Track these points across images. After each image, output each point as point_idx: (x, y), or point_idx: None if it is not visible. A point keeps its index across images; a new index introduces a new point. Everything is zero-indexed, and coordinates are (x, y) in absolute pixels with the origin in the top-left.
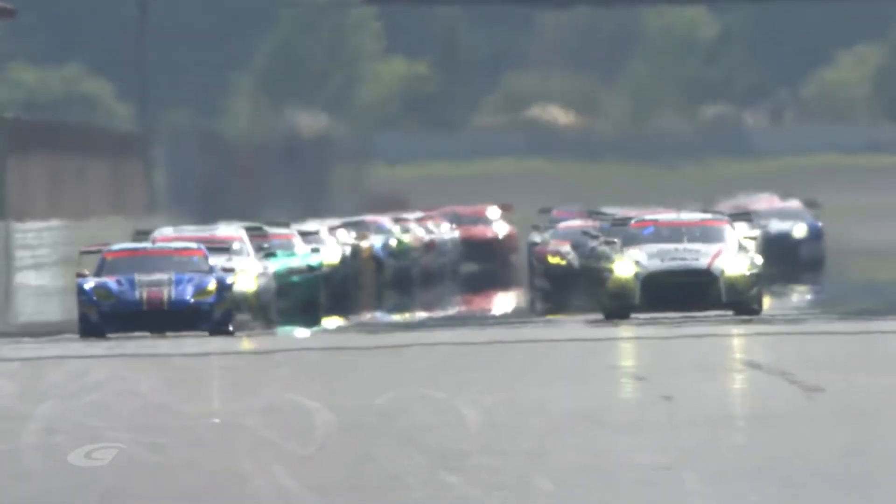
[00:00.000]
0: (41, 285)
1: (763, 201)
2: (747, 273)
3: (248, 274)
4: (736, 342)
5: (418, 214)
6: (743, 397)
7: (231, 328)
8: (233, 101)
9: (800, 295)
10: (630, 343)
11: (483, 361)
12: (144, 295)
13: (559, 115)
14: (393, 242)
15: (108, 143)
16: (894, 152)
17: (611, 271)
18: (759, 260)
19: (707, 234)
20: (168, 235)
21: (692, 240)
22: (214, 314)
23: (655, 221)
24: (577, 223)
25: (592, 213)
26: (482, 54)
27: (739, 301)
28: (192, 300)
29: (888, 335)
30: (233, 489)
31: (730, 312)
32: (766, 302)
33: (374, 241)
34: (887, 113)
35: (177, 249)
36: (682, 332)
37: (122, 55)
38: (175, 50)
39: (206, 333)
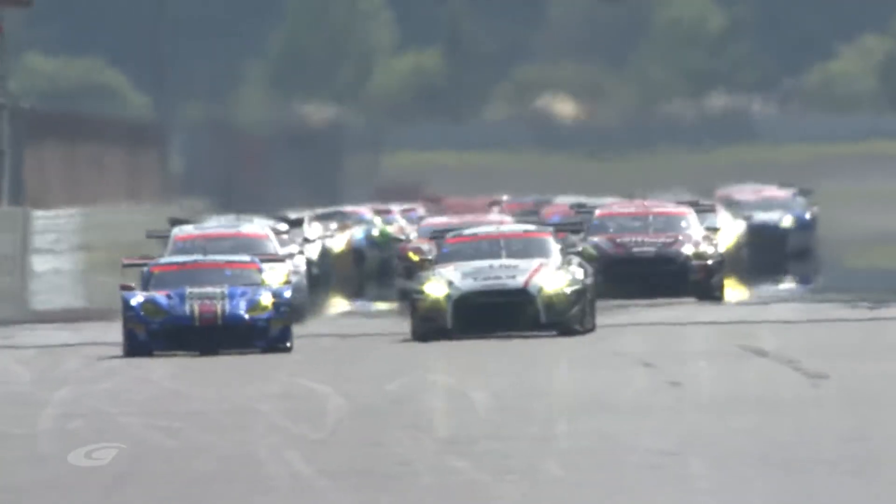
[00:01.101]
0: (58, 271)
1: (749, 191)
2: (567, 291)
3: (277, 272)
4: (743, 329)
5: (406, 206)
6: (749, 384)
7: (289, 345)
8: (245, 91)
9: (794, 282)
10: (638, 330)
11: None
12: (196, 309)
13: (566, 106)
14: (375, 233)
15: (124, 132)
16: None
17: (422, 292)
18: (582, 274)
19: (528, 248)
20: (190, 233)
21: (511, 255)
22: (271, 331)
23: (474, 236)
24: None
25: (575, 207)
26: (491, 46)
27: (559, 321)
28: (248, 316)
29: (891, 322)
30: (246, 473)
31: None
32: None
33: (356, 233)
34: (891, 102)
35: (229, 262)
36: (690, 319)
37: (138, 46)
38: (189, 41)
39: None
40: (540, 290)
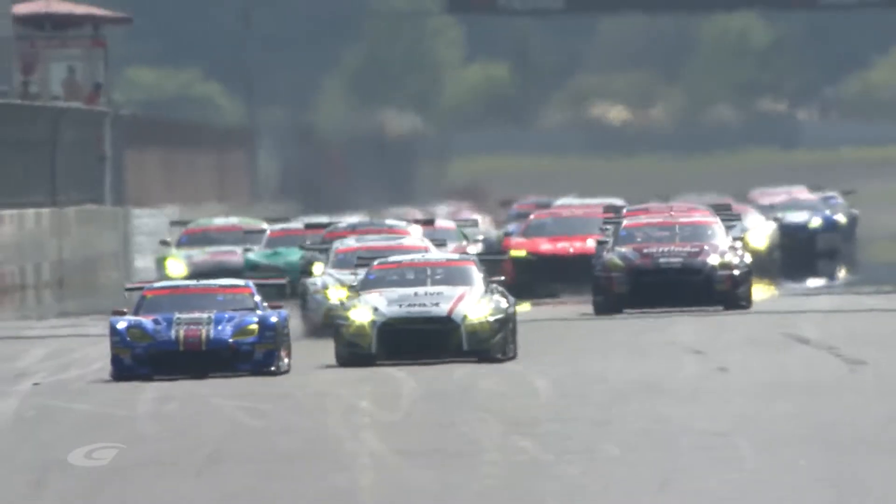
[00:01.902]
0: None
1: (780, 194)
2: (491, 319)
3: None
4: (786, 319)
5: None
6: (792, 369)
7: (273, 368)
8: (326, 101)
9: (833, 276)
10: (688, 320)
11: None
12: (181, 335)
13: (618, 113)
14: None
15: (216, 137)
16: None
17: (346, 318)
18: (505, 303)
19: (452, 276)
20: (351, 246)
21: (437, 282)
22: (255, 355)
23: (399, 263)
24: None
25: (609, 209)
26: (551, 58)
27: (481, 349)
28: (232, 340)
29: None
30: (327, 452)
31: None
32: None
33: None
34: None
35: (222, 287)
36: (735, 311)
37: (229, 59)
38: (275, 54)
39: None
40: (464, 317)
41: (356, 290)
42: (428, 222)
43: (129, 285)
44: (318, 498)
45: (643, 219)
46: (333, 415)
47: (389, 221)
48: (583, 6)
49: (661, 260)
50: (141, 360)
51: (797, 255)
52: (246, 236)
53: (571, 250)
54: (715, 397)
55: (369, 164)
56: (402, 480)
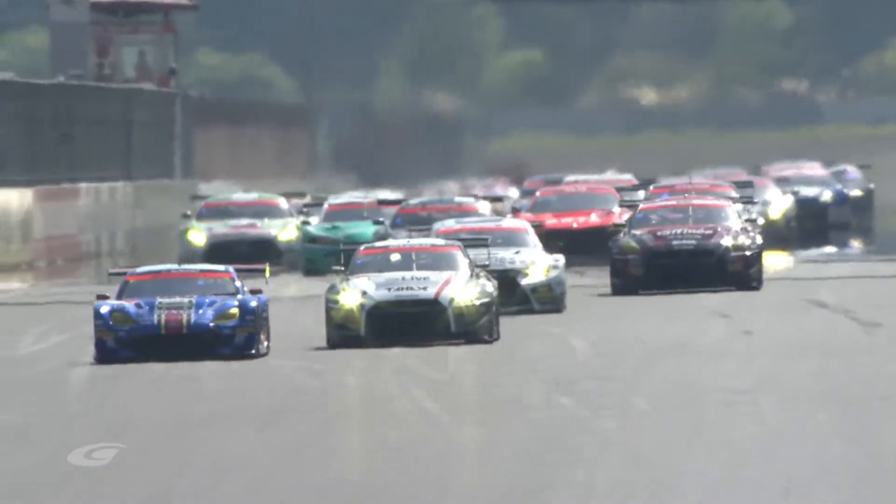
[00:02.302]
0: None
1: (793, 168)
2: (477, 302)
3: (538, 267)
4: (805, 285)
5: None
6: (811, 332)
7: (254, 352)
8: (381, 82)
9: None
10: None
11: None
12: (163, 318)
13: (649, 93)
14: None
15: (277, 116)
16: None
17: (336, 301)
18: (491, 287)
19: (438, 261)
20: (451, 227)
21: (422, 267)
22: (236, 338)
23: (386, 248)
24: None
25: (622, 190)
26: (585, 43)
27: (468, 331)
28: (212, 324)
29: None
30: (379, 409)
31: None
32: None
33: None
34: None
35: (203, 271)
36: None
37: (289, 42)
38: (332, 39)
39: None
40: (451, 300)
41: (345, 274)
42: (496, 199)
43: (112, 270)
44: (371, 452)
45: (658, 201)
46: (384, 375)
47: (458, 199)
48: None
49: (675, 242)
50: (124, 343)
51: (810, 227)
52: (305, 209)
53: (575, 225)
54: (739, 357)
55: (419, 140)
56: (449, 436)
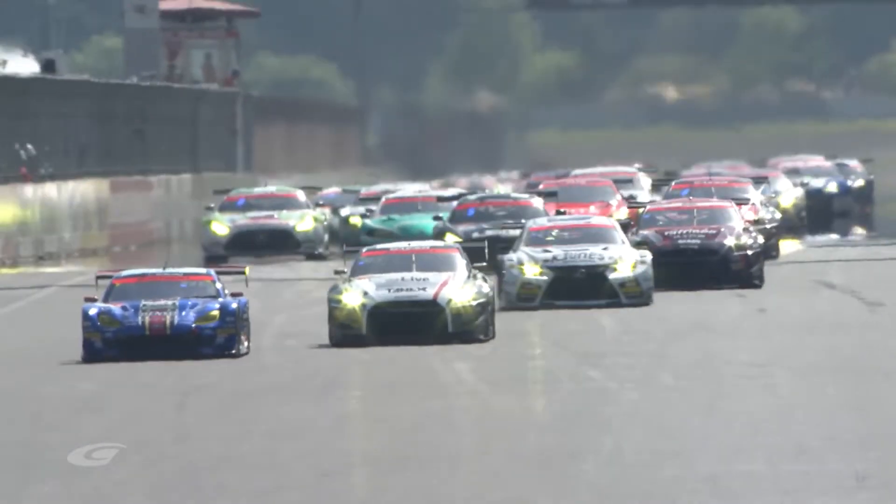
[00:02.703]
0: None
1: (799, 161)
2: (474, 303)
3: (625, 262)
4: (815, 268)
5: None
6: (820, 310)
7: (235, 352)
8: (427, 82)
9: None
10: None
11: None
12: (147, 320)
13: (671, 91)
14: None
15: (331, 113)
16: None
17: (339, 301)
18: (487, 288)
19: (437, 263)
20: (543, 225)
21: (421, 267)
22: (217, 339)
23: (387, 250)
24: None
25: (630, 201)
26: (613, 45)
27: (465, 331)
28: (194, 325)
29: None
30: (426, 380)
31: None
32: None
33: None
34: None
35: (186, 275)
36: (772, 261)
37: (343, 45)
38: (383, 42)
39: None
40: (449, 301)
41: (347, 275)
42: (551, 194)
43: (99, 273)
44: (418, 419)
45: (664, 204)
46: (428, 350)
47: (514, 194)
48: (641, 1)
49: (681, 241)
50: (110, 343)
51: (816, 216)
52: (362, 202)
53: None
54: (755, 333)
55: (461, 135)
56: (489, 405)
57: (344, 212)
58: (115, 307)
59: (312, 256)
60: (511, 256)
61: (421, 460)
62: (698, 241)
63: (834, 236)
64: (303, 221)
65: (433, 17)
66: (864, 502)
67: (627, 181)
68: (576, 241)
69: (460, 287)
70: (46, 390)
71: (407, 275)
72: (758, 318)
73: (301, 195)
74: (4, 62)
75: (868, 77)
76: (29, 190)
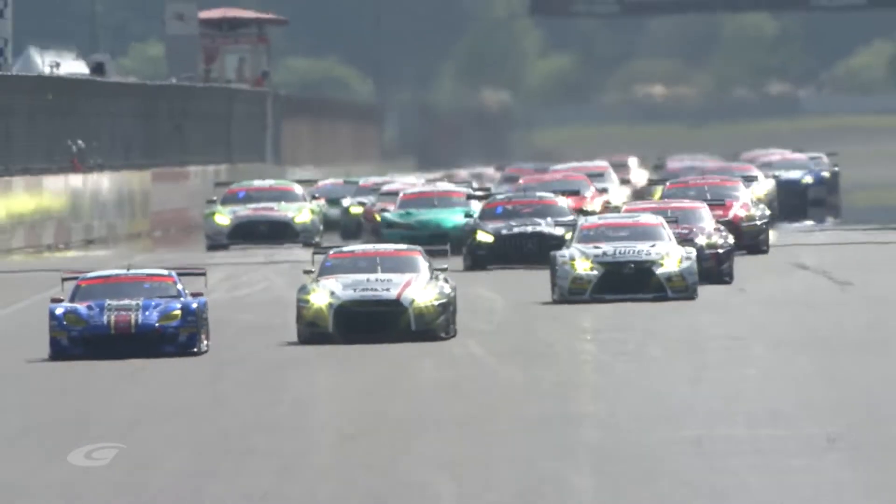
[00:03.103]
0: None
1: (776, 155)
2: (435, 303)
3: (672, 258)
4: (789, 251)
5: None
6: (794, 289)
7: (196, 350)
8: (439, 82)
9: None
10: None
11: None
12: (112, 319)
13: (660, 91)
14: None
15: (352, 111)
16: None
17: (307, 301)
18: (449, 288)
19: (400, 265)
20: (595, 223)
21: (385, 269)
22: (179, 337)
23: (353, 252)
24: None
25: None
26: (607, 50)
27: (427, 329)
28: (158, 324)
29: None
30: (435, 353)
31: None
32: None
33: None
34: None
35: (149, 276)
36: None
37: (364, 49)
38: (399, 46)
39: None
40: (412, 301)
41: (315, 276)
42: (573, 193)
43: (64, 275)
44: (432, 388)
45: (642, 204)
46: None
47: (540, 193)
48: (632, 10)
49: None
50: (76, 342)
51: (793, 204)
52: (380, 198)
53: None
54: (735, 310)
55: (471, 132)
56: (495, 375)
57: (345, 202)
58: (81, 307)
59: (309, 245)
60: (563, 253)
61: (435, 423)
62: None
63: (809, 222)
64: (300, 213)
65: (444, 23)
66: (834, 462)
67: (599, 175)
68: (625, 238)
69: (423, 288)
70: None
71: (372, 276)
72: (738, 295)
73: (298, 188)
74: (58, 64)
75: (836, 79)
76: (79, 180)
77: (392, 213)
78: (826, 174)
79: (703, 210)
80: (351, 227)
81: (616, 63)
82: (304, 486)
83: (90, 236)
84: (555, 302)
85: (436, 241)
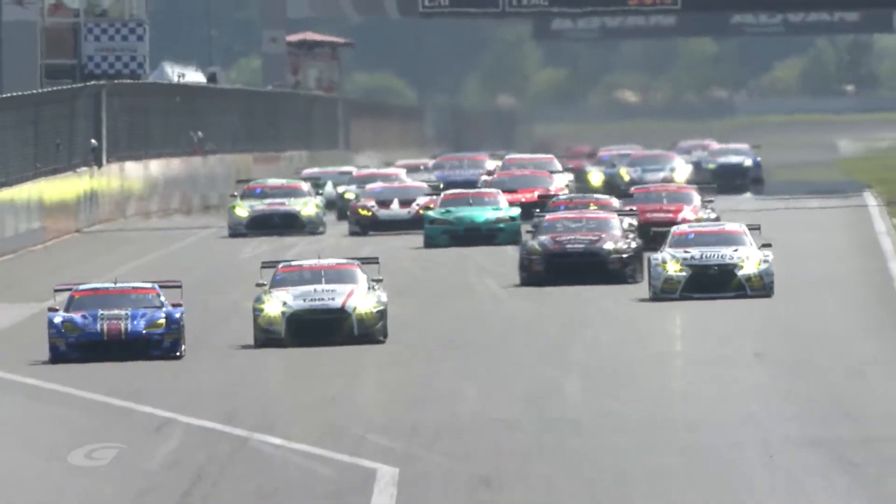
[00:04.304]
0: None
1: (710, 144)
2: (374, 310)
3: (751, 261)
4: (730, 214)
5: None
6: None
7: (178, 354)
8: (465, 90)
9: (758, 192)
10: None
11: None
12: (105, 327)
13: (631, 97)
14: None
15: (400, 112)
16: (813, 113)
17: (262, 310)
18: (385, 297)
19: (341, 276)
20: (685, 230)
21: (329, 281)
22: (164, 343)
23: (300, 266)
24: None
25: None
26: (592, 64)
27: (368, 333)
28: (145, 331)
29: (812, 210)
30: (463, 291)
31: None
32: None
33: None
34: (808, 93)
35: (134, 288)
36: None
37: (409, 66)
38: (436, 64)
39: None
40: (354, 308)
41: (267, 287)
42: (627, 195)
43: (56, 287)
44: (457, 320)
45: (559, 214)
46: (470, 272)
47: (596, 195)
48: (610, 35)
49: (569, 246)
50: (73, 347)
51: (736, 183)
52: (433, 190)
53: (523, 200)
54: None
55: (489, 127)
56: (509, 309)
57: (340, 189)
58: (77, 316)
59: (314, 234)
60: (657, 256)
61: (462, 344)
62: (583, 246)
63: (748, 195)
64: (307, 207)
65: (470, 46)
66: (761, 373)
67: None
68: (711, 243)
69: (363, 297)
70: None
71: (318, 286)
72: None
73: (305, 186)
74: (183, 75)
75: (762, 87)
76: (199, 161)
77: (435, 210)
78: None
79: (614, 220)
80: (345, 210)
81: (597, 75)
82: (365, 393)
83: (207, 203)
84: (651, 300)
85: (471, 233)
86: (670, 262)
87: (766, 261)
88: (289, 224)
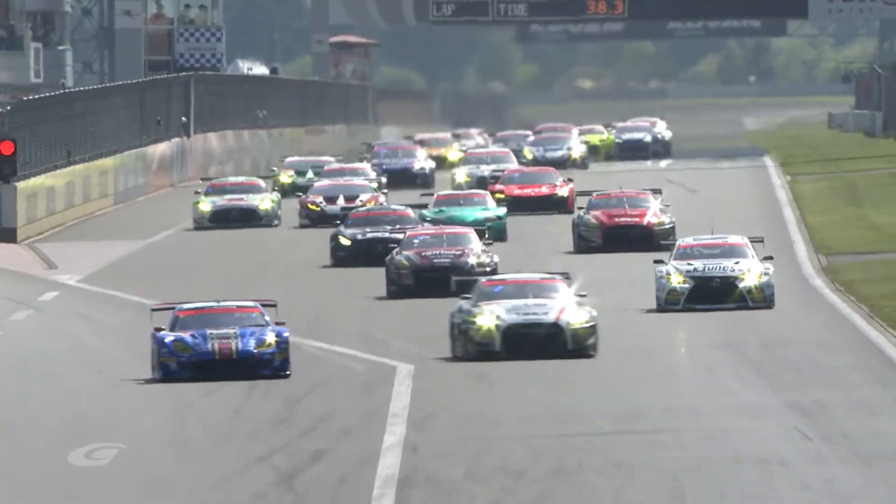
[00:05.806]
0: None
1: (630, 122)
2: (587, 325)
3: (752, 273)
4: (645, 175)
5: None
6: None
7: (288, 373)
8: (465, 79)
9: (660, 162)
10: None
11: None
12: (216, 346)
13: (589, 84)
14: None
15: (414, 96)
16: (726, 97)
17: (474, 323)
18: (595, 312)
19: (546, 290)
20: (690, 243)
21: (535, 295)
22: (274, 362)
23: (503, 280)
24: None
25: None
26: (560, 60)
27: (581, 348)
28: (256, 351)
29: (722, 170)
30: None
31: None
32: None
33: None
34: (722, 82)
35: (239, 307)
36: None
37: (422, 60)
38: (442, 58)
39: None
40: (568, 323)
41: (475, 301)
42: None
43: (153, 306)
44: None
45: (420, 230)
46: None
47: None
48: (574, 38)
49: (435, 261)
50: (184, 366)
51: (638, 156)
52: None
53: (532, 194)
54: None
55: (483, 108)
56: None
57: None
58: (186, 335)
59: (269, 227)
60: (661, 269)
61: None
62: (448, 260)
63: (648, 163)
64: (263, 202)
65: (468, 45)
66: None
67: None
68: (714, 256)
69: (575, 312)
70: None
71: (529, 301)
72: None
73: (262, 183)
74: (251, 68)
75: (688, 77)
76: (264, 133)
77: (429, 210)
78: (662, 135)
79: (472, 234)
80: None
81: (564, 68)
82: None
83: (270, 166)
84: (657, 311)
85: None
86: (674, 274)
87: (766, 273)
88: (247, 217)
